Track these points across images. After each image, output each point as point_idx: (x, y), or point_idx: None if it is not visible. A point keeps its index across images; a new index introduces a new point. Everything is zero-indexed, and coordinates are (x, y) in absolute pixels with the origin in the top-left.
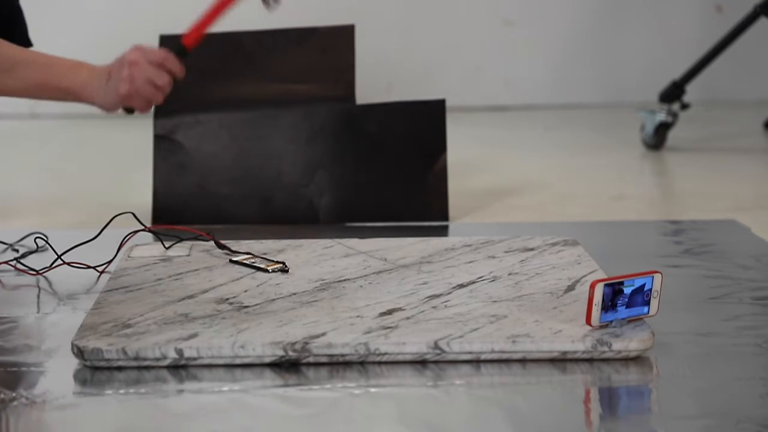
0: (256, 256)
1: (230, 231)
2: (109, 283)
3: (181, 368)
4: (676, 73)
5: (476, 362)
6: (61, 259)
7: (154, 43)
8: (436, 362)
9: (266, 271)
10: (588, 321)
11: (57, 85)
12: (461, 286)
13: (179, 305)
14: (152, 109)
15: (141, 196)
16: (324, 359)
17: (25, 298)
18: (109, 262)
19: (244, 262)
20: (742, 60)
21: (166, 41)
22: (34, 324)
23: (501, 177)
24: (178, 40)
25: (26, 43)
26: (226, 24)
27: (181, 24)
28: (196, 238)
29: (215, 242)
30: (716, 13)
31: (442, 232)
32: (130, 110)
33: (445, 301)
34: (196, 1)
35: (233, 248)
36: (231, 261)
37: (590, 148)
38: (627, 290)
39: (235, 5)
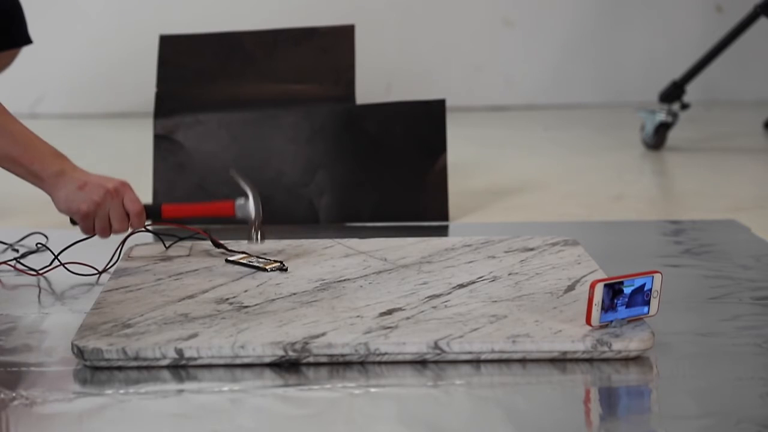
0: (252, 256)
1: (230, 231)
2: (109, 283)
3: (181, 368)
4: (676, 73)
5: (476, 362)
6: (58, 261)
7: (154, 42)
8: (436, 362)
9: (265, 270)
10: (588, 321)
11: (27, 165)
12: (461, 286)
13: (179, 305)
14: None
15: (141, 196)
16: (324, 359)
17: (25, 298)
18: (109, 262)
19: (241, 261)
20: (742, 60)
21: (166, 42)
22: (34, 324)
23: (501, 177)
24: (159, 205)
25: (26, 39)
26: (226, 24)
27: (180, 24)
28: (192, 236)
29: (211, 240)
30: (716, 13)
31: (442, 232)
32: (74, 223)
33: (445, 301)
34: (195, 1)
35: (232, 248)
36: (227, 260)
37: (590, 148)
38: (627, 290)
39: (223, 216)
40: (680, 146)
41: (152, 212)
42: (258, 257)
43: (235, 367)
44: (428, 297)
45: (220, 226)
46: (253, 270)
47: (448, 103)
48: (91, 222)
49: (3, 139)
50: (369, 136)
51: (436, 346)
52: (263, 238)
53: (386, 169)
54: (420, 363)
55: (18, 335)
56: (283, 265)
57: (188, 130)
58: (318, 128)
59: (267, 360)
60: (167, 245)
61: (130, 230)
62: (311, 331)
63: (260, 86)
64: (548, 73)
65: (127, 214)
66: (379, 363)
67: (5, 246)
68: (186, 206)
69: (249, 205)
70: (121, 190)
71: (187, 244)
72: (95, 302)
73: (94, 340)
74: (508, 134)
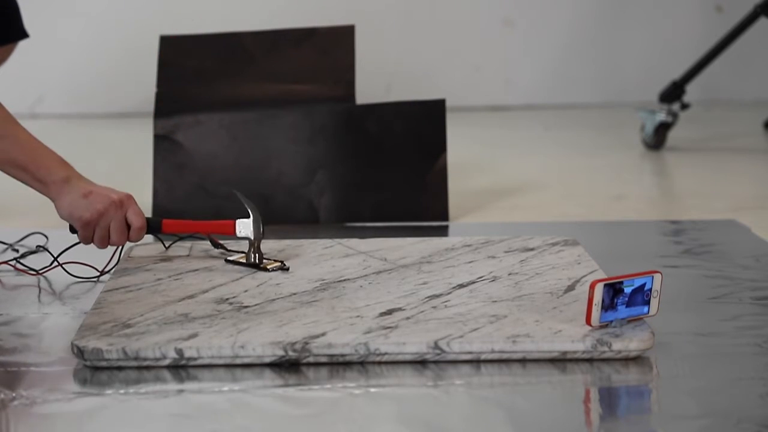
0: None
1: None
2: (109, 283)
3: (181, 368)
4: (676, 73)
5: (476, 362)
6: (57, 262)
7: (154, 42)
8: (436, 362)
9: (266, 269)
10: (588, 321)
11: (33, 172)
12: (461, 286)
13: (179, 305)
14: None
15: (141, 196)
16: (324, 359)
17: (25, 298)
18: (110, 262)
19: (240, 261)
20: (742, 60)
21: (167, 42)
22: (34, 324)
23: (501, 177)
24: (160, 219)
25: (22, 33)
26: (226, 24)
27: (181, 25)
28: (191, 236)
29: (211, 240)
30: (716, 13)
31: (442, 232)
32: (74, 231)
33: (445, 301)
34: (195, 1)
35: (232, 248)
36: (227, 260)
37: (590, 148)
38: (627, 290)
39: (223, 234)
40: (680, 146)
41: (153, 226)
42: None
43: (235, 367)
44: (428, 297)
45: None
46: (254, 270)
47: (448, 103)
48: (91, 231)
49: (10, 145)
50: (369, 136)
51: (436, 346)
52: (261, 260)
53: (386, 169)
54: (420, 363)
55: (18, 335)
56: (284, 264)
57: (188, 130)
58: (318, 128)
59: (267, 360)
60: (167, 245)
61: (126, 244)
62: (311, 331)
63: (260, 86)
64: (548, 73)
65: (128, 227)
66: (379, 363)
67: (5, 246)
68: (187, 223)
69: (250, 226)
70: (125, 203)
71: (187, 244)
72: (95, 302)
73: (94, 340)
74: (508, 134)
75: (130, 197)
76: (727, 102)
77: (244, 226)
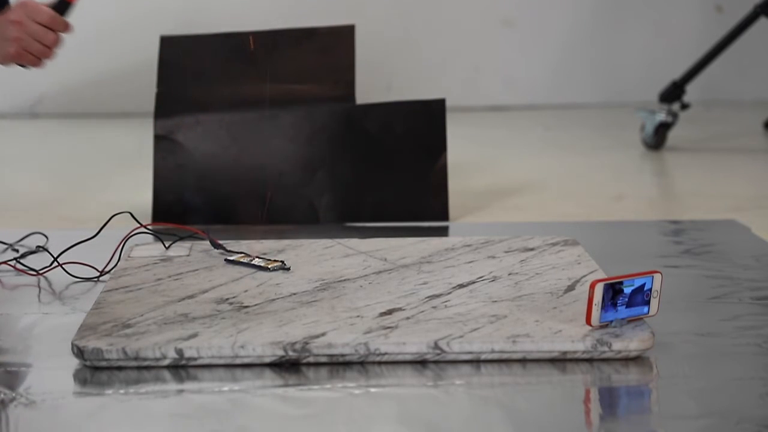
0: (250, 255)
1: (230, 231)
2: (109, 283)
3: (181, 368)
4: (676, 73)
5: (476, 362)
6: (57, 262)
7: (155, 42)
8: (436, 362)
9: (267, 269)
10: (588, 321)
11: None
12: (461, 286)
13: (179, 305)
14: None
15: (141, 196)
16: (324, 359)
17: (25, 297)
18: (110, 262)
19: (240, 261)
20: (742, 60)
21: (167, 42)
22: (34, 324)
23: (501, 177)
24: None
25: None
26: (226, 24)
27: (181, 25)
28: (191, 236)
29: (210, 240)
30: (716, 13)
31: (442, 232)
32: (24, 66)
33: (445, 301)
34: (195, 1)
35: (232, 248)
36: (226, 260)
37: (590, 148)
38: (627, 290)
39: None
40: (680, 146)
41: (61, 6)
42: (258, 257)
43: (235, 367)
44: (428, 297)
45: (221, 227)
46: (254, 270)
47: (448, 103)
48: (29, 54)
49: None
50: (369, 136)
51: (436, 346)
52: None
53: (386, 169)
54: (420, 363)
55: (18, 335)
56: (285, 264)
57: (188, 130)
58: (318, 128)
59: (267, 360)
60: (167, 245)
61: (63, 35)
62: (311, 331)
63: (260, 86)
64: (548, 73)
65: (47, 27)
66: (379, 363)
67: (5, 246)
68: None
69: None
70: (22, 12)
71: (187, 244)
72: (95, 302)
73: (94, 340)
74: (508, 134)
75: (22, 3)
76: (727, 102)
77: None
